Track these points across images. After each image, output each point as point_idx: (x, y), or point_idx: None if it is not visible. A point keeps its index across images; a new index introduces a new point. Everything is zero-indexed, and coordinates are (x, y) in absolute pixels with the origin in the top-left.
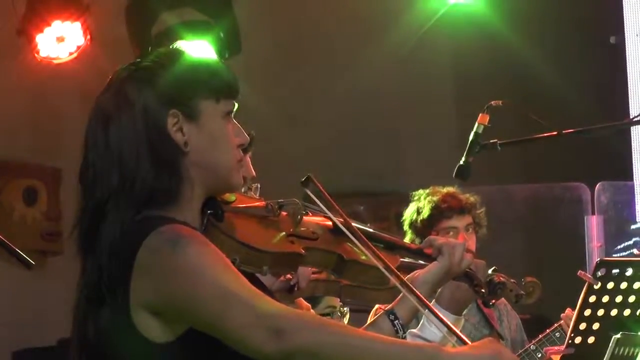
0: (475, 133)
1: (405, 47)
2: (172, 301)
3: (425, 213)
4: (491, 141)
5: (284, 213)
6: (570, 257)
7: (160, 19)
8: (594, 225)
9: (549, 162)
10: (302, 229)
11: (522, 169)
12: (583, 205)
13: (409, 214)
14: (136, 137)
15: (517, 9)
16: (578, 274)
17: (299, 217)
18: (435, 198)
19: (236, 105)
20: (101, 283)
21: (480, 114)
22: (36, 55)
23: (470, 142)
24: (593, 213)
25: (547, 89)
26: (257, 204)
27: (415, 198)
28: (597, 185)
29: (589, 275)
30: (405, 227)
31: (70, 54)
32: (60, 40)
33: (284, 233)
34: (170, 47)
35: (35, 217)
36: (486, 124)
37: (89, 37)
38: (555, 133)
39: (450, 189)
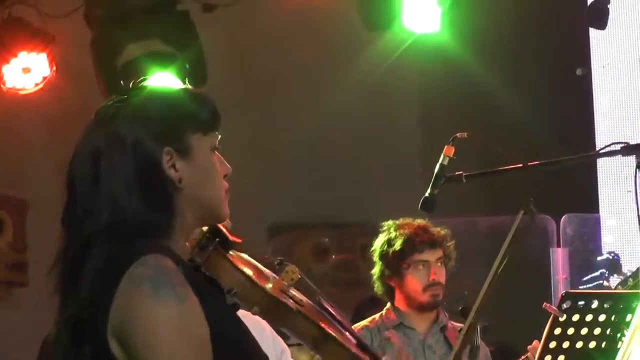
0: (441, 165)
1: (372, 77)
2: (126, 341)
3: (397, 246)
4: (456, 173)
5: (282, 271)
6: (536, 289)
7: (126, 50)
8: (559, 257)
9: (514, 194)
10: (293, 291)
11: (487, 200)
12: (548, 237)
13: (379, 245)
14: (128, 174)
15: (483, 41)
16: (543, 306)
17: (294, 278)
18: (407, 231)
19: (219, 136)
20: (83, 315)
21: (445, 146)
22: (2, 86)
23: (436, 174)
24: (558, 245)
25: (514, 120)
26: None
27: (385, 229)
28: (563, 217)
29: (555, 308)
30: (375, 258)
31: (36, 84)
32: (26, 71)
33: (279, 286)
34: (154, 80)
35: (1, 247)
36: (452, 156)
37: (54, 68)
38: (520, 165)
39: (421, 222)
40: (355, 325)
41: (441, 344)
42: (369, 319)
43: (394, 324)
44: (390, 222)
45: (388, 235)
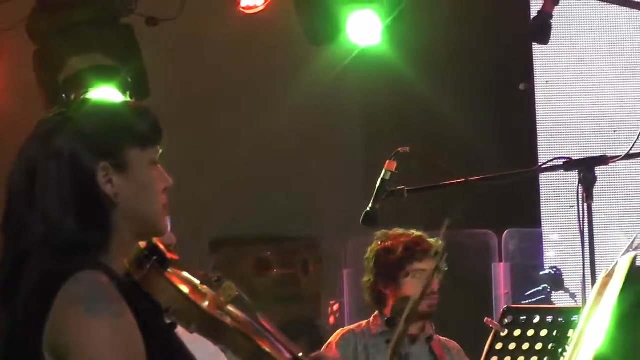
0: (383, 179)
1: (315, 91)
2: (62, 357)
3: (398, 253)
4: (398, 188)
5: (219, 287)
6: (477, 304)
7: (68, 64)
8: (501, 272)
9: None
10: (230, 308)
11: (430, 215)
12: (490, 252)
13: (375, 252)
14: (63, 190)
15: (427, 55)
16: (485, 321)
17: (231, 294)
18: (407, 240)
19: (160, 150)
20: (17, 330)
21: (387, 161)
22: None
23: (378, 188)
24: (500, 260)
25: (456, 135)
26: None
27: (381, 237)
28: (505, 232)
29: (496, 323)
30: (369, 265)
31: None
32: None
33: (215, 303)
34: (92, 95)
35: None
36: (393, 170)
37: None
38: (462, 180)
39: (418, 232)
40: (342, 329)
41: (426, 355)
42: (356, 324)
43: (381, 331)
44: (384, 231)
45: (384, 243)
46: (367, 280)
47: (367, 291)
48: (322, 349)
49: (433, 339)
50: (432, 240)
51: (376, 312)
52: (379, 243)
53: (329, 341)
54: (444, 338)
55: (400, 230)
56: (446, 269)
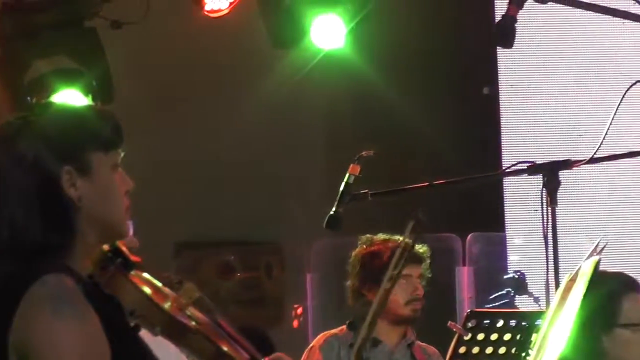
0: (346, 183)
1: (279, 95)
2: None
3: (384, 258)
4: (362, 191)
5: (180, 289)
6: (441, 308)
7: (33, 67)
8: (464, 276)
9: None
10: (192, 310)
11: (394, 219)
12: (454, 256)
13: (359, 257)
14: (27, 193)
15: (391, 59)
16: (448, 324)
17: (192, 296)
18: (395, 245)
19: (122, 154)
20: None
21: (351, 164)
22: None
23: (341, 192)
24: (464, 264)
25: (420, 139)
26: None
27: (365, 242)
28: (469, 236)
29: (459, 327)
30: (354, 269)
31: None
32: None
33: (177, 305)
34: (56, 99)
35: None
36: (357, 174)
37: None
38: (426, 184)
39: (404, 238)
40: (325, 332)
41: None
42: (339, 328)
43: (374, 336)
44: (368, 235)
45: (370, 248)
46: (351, 284)
47: (350, 295)
48: (305, 353)
49: (414, 344)
50: (418, 246)
51: None
52: (364, 247)
53: (311, 344)
54: (424, 344)
55: (384, 236)
56: (429, 275)
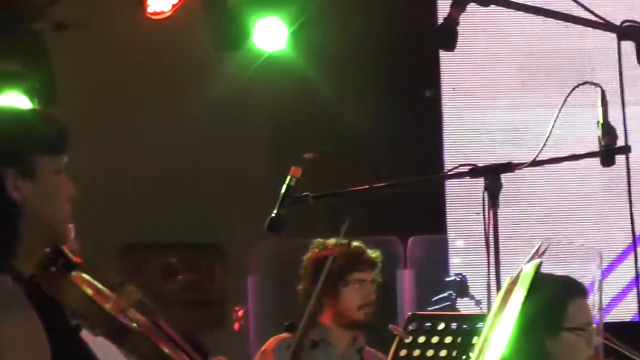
0: (288, 185)
1: (222, 97)
2: None
3: (342, 262)
4: (303, 194)
5: (123, 290)
6: (382, 310)
7: None
8: (406, 278)
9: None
10: (132, 312)
11: (337, 221)
12: (395, 259)
13: (312, 261)
14: None
15: (333, 62)
16: (389, 327)
17: (133, 298)
18: (352, 250)
19: (66, 159)
20: None
21: (292, 167)
22: None
23: (283, 194)
24: (405, 267)
25: (363, 141)
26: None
27: (319, 246)
28: (410, 239)
29: (401, 329)
30: (307, 273)
31: None
32: None
33: (118, 306)
34: (3, 100)
35: None
36: (298, 176)
37: None
38: (367, 186)
39: (357, 243)
40: (277, 336)
41: None
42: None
43: (315, 338)
44: (321, 240)
45: (323, 252)
46: (303, 288)
47: (302, 299)
48: (256, 356)
49: (364, 349)
50: (371, 251)
51: None
52: (317, 251)
53: (263, 348)
54: (373, 349)
55: (337, 240)
56: (381, 280)
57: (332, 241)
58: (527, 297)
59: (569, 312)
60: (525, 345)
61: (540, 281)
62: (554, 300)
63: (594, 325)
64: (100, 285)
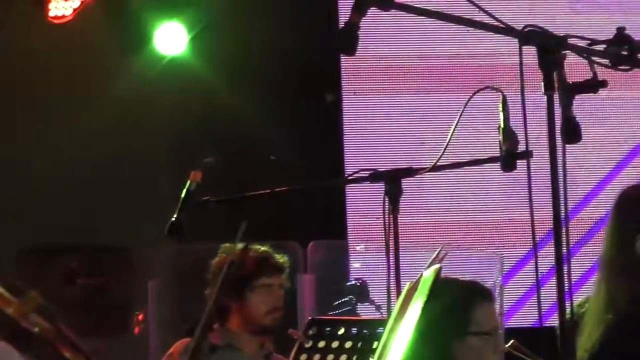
0: (187, 190)
1: (124, 101)
2: None
3: (248, 268)
4: (204, 199)
5: (24, 294)
6: (282, 315)
7: None
8: (306, 283)
9: (262, 220)
10: (35, 317)
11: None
12: (295, 263)
13: (220, 266)
14: None
15: (235, 66)
16: (289, 332)
17: (34, 303)
18: (255, 255)
19: None
20: None
21: (192, 171)
22: None
23: (182, 199)
24: (305, 271)
25: (264, 145)
26: None
27: (227, 251)
28: (310, 244)
29: (300, 334)
30: (214, 277)
31: None
32: None
33: (20, 311)
34: None
35: None
36: (198, 180)
37: None
38: (268, 190)
39: (265, 248)
40: (184, 340)
41: None
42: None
43: (222, 343)
44: (228, 244)
45: (230, 257)
46: (210, 293)
47: (212, 304)
48: (163, 359)
49: (272, 354)
50: (279, 256)
51: (217, 325)
52: (225, 256)
53: (170, 351)
54: (281, 355)
55: (248, 245)
56: (289, 285)
57: (240, 246)
58: (430, 301)
59: (475, 317)
60: (430, 350)
61: (445, 285)
62: (460, 305)
63: (501, 332)
64: (1, 290)
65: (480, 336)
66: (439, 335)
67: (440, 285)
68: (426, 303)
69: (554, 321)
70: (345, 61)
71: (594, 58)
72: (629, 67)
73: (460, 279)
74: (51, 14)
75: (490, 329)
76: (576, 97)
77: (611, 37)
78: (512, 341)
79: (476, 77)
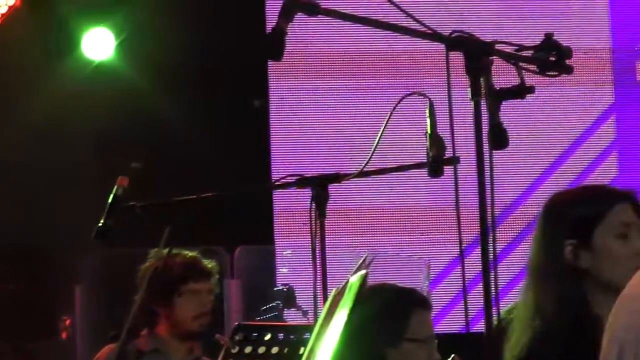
0: (114, 195)
1: (52, 105)
2: None
3: (176, 272)
4: (130, 204)
5: None
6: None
7: None
8: (233, 288)
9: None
10: None
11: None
12: (222, 268)
13: (150, 270)
14: None
15: (162, 71)
16: (215, 337)
17: None
18: (183, 260)
19: None
20: None
21: (119, 177)
22: None
23: (109, 204)
24: (232, 277)
25: (191, 150)
26: None
27: (155, 257)
28: (237, 249)
29: (227, 339)
30: (142, 283)
31: None
32: None
33: None
34: None
35: None
36: (125, 185)
37: None
38: (195, 196)
39: (193, 254)
40: (111, 344)
41: None
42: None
43: (149, 348)
44: (157, 249)
45: (159, 262)
46: (139, 298)
47: (139, 309)
48: None
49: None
50: (207, 261)
51: (146, 331)
52: (154, 262)
53: (97, 356)
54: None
55: (176, 250)
56: (218, 291)
57: (176, 250)
58: (361, 306)
59: (411, 324)
60: (362, 355)
61: (383, 291)
62: (397, 311)
63: (436, 340)
64: None
65: (415, 343)
66: (373, 340)
67: (377, 290)
68: (353, 308)
69: (481, 327)
70: (273, 66)
71: (521, 64)
72: (556, 73)
73: (398, 285)
74: None
75: (426, 337)
76: (504, 102)
77: (539, 42)
78: (452, 355)
79: (405, 82)
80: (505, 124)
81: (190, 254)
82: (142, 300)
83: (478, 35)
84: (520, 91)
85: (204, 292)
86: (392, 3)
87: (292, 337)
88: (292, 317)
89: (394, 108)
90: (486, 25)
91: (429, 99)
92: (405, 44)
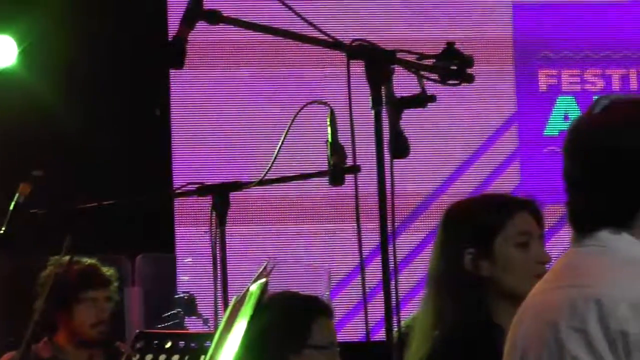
0: (16, 202)
1: None
2: None
3: (74, 280)
4: (31, 211)
5: None
6: (110, 329)
7: None
8: (134, 296)
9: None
10: None
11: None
12: (123, 276)
13: (48, 278)
14: None
15: (66, 77)
16: (116, 345)
17: None
18: (80, 267)
19: None
20: None
21: (21, 184)
22: None
23: (11, 212)
24: (133, 284)
25: (92, 158)
26: None
27: (54, 263)
28: (138, 257)
29: (128, 347)
30: (43, 291)
31: None
32: None
33: None
34: None
35: None
36: (27, 193)
37: None
38: (95, 204)
39: (92, 261)
40: (9, 353)
41: None
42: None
43: (49, 356)
44: (57, 257)
45: (59, 269)
46: (39, 306)
47: (38, 317)
48: None
49: None
50: (105, 269)
51: (45, 338)
52: (53, 269)
53: None
54: None
55: (75, 258)
56: (118, 299)
57: (67, 259)
58: (261, 314)
59: (313, 330)
60: None
61: (285, 298)
62: (299, 318)
63: (338, 348)
64: None
65: (317, 349)
66: (274, 347)
67: (277, 298)
68: (253, 316)
69: (382, 336)
70: (174, 74)
71: (423, 73)
72: (458, 82)
73: (300, 293)
74: None
75: (327, 343)
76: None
77: (440, 51)
78: None
79: (307, 90)
80: (407, 132)
81: (89, 261)
82: (42, 307)
83: (380, 44)
84: (421, 100)
85: (102, 300)
86: (294, 12)
87: (192, 345)
88: (193, 325)
89: (295, 116)
90: (389, 35)
91: (330, 107)
92: (308, 52)
